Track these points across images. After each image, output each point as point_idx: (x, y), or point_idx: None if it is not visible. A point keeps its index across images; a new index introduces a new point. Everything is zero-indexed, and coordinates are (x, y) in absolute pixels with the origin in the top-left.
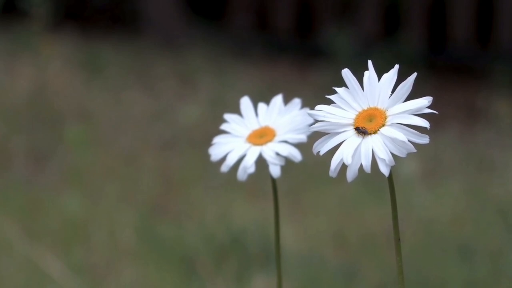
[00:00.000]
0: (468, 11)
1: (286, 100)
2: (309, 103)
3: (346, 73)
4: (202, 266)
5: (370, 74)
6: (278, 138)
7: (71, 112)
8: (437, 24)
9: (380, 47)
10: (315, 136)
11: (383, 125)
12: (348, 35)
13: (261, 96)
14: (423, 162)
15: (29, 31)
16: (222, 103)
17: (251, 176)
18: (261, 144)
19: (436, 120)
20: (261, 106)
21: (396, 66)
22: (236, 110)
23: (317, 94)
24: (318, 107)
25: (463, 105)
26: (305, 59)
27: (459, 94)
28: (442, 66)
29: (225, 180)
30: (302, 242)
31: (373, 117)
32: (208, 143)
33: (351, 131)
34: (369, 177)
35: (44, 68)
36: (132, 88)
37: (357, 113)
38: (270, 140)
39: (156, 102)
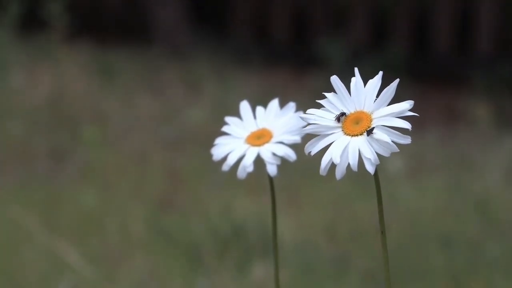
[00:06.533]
0: (450, 23)
1: (283, 104)
2: (304, 106)
3: (335, 80)
4: (207, 255)
5: (356, 80)
6: (274, 139)
7: (87, 115)
8: (421, 35)
9: (369, 55)
10: (308, 137)
11: (369, 127)
12: (339, 45)
13: (261, 100)
14: (408, 160)
15: (49, 41)
16: (224, 106)
17: (250, 173)
18: (259, 145)
19: (420, 122)
20: (259, 109)
21: (380, 73)
22: (237, 113)
23: (311, 98)
24: (309, 111)
25: (444, 109)
26: (300, 66)
27: (440, 99)
28: (425, 72)
29: (227, 177)
30: (297, 234)
31: (360, 120)
32: (212, 143)
33: (340, 133)
34: (359, 173)
35: (62, 75)
36: (142, 92)
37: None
38: (267, 141)
39: (164, 106)
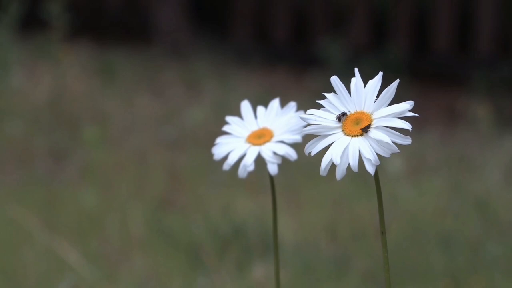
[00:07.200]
0: (449, 22)
1: (283, 104)
2: (304, 106)
3: (335, 80)
4: (207, 255)
5: (356, 80)
6: (275, 138)
7: (87, 115)
8: (421, 34)
9: (369, 56)
10: (309, 136)
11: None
12: (340, 45)
13: (261, 100)
14: (407, 160)
15: (49, 41)
16: (224, 106)
17: (251, 172)
18: (259, 144)
19: (420, 122)
20: (260, 109)
21: (380, 73)
22: (237, 113)
23: (311, 98)
24: (309, 111)
25: (445, 109)
26: (300, 66)
27: (440, 99)
28: (425, 73)
29: (227, 176)
30: (298, 233)
31: (360, 120)
32: (212, 143)
33: (340, 133)
34: (359, 173)
35: (62, 75)
36: (142, 93)
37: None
38: (268, 141)
39: (165, 106)
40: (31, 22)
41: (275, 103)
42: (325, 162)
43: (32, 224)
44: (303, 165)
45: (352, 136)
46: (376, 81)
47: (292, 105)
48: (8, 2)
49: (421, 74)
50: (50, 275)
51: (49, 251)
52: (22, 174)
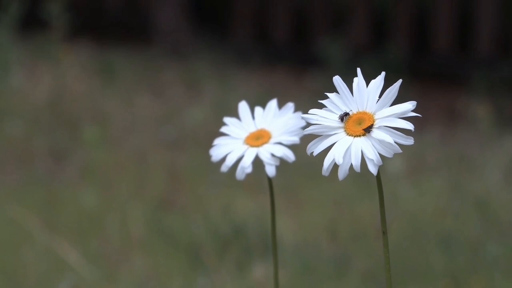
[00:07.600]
0: (449, 22)
1: (282, 104)
2: (304, 106)
3: (337, 80)
4: (207, 255)
5: (359, 80)
6: (273, 140)
7: (88, 115)
8: (421, 34)
9: (369, 56)
10: (307, 138)
11: (368, 126)
12: (340, 45)
13: (261, 100)
14: (408, 160)
15: (49, 41)
16: (224, 106)
17: (250, 173)
18: (257, 145)
19: (420, 122)
20: (258, 109)
21: (383, 73)
22: (237, 113)
23: (311, 99)
24: (311, 111)
25: (445, 109)
26: (300, 66)
27: (441, 99)
28: (425, 73)
29: (227, 176)
30: (297, 234)
31: (362, 120)
32: (212, 143)
33: (342, 133)
34: (360, 173)
35: (62, 75)
36: (142, 93)
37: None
38: (266, 142)
39: (165, 106)
40: (31, 22)
41: (272, 104)
42: (327, 162)
43: (32, 224)
44: (303, 165)
45: (355, 136)
46: (378, 81)
47: (290, 106)
48: (8, 2)
49: (421, 74)
50: (50, 275)
51: (49, 251)
52: (22, 174)
